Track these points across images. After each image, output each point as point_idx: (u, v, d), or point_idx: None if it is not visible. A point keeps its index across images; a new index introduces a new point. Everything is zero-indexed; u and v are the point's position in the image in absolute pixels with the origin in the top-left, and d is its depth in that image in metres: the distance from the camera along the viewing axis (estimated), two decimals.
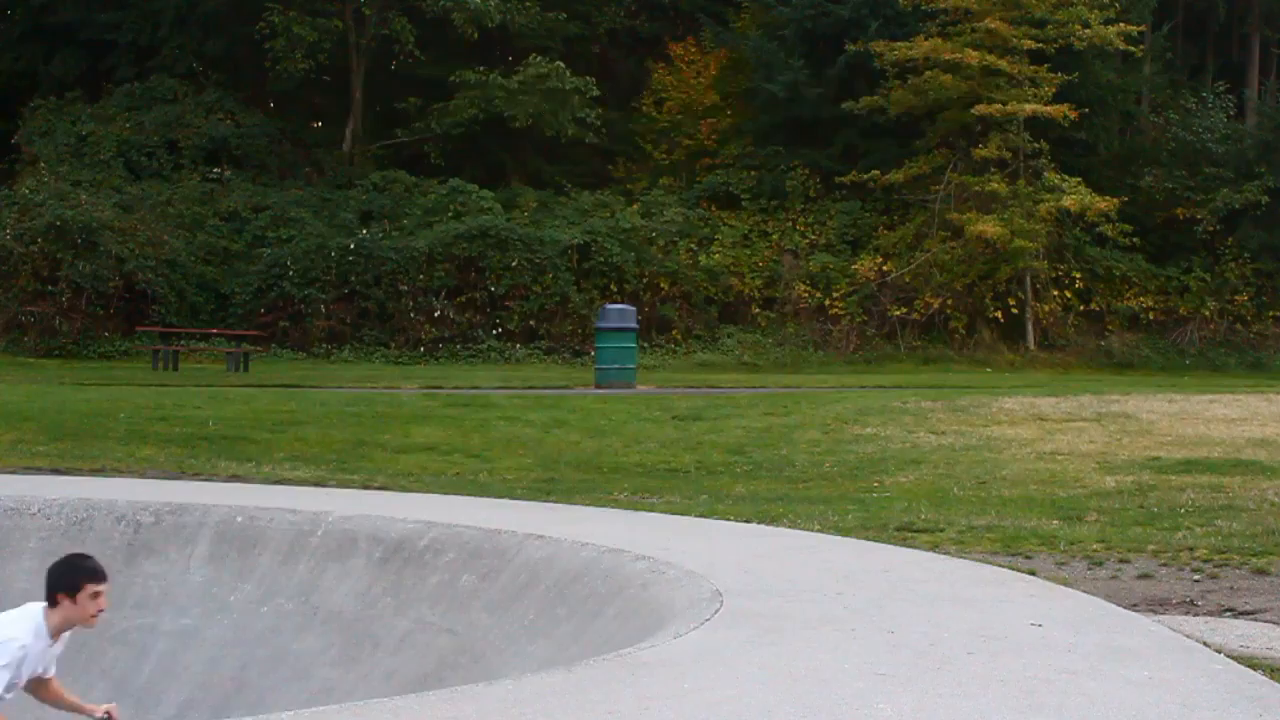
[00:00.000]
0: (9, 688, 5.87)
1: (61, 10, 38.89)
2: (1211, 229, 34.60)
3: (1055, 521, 10.03)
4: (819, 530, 9.42)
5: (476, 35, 36.34)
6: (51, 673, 6.16)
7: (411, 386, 22.03)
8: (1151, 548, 8.85)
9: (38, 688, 6.20)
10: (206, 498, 9.64)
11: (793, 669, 5.15)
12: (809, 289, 33.68)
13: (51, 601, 5.94)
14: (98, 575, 5.98)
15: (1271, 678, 5.45)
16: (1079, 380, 27.03)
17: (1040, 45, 33.20)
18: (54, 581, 5.94)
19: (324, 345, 31.43)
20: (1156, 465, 13.13)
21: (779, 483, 12.84)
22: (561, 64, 36.06)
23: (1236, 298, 34.78)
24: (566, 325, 32.20)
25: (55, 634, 5.98)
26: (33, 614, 5.94)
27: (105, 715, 6.24)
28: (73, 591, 5.91)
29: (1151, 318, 34.64)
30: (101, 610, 6.00)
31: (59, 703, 6.23)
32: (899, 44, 33.55)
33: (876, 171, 34.03)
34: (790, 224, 35.24)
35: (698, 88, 38.95)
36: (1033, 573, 7.89)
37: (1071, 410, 17.29)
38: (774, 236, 34.96)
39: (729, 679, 4.96)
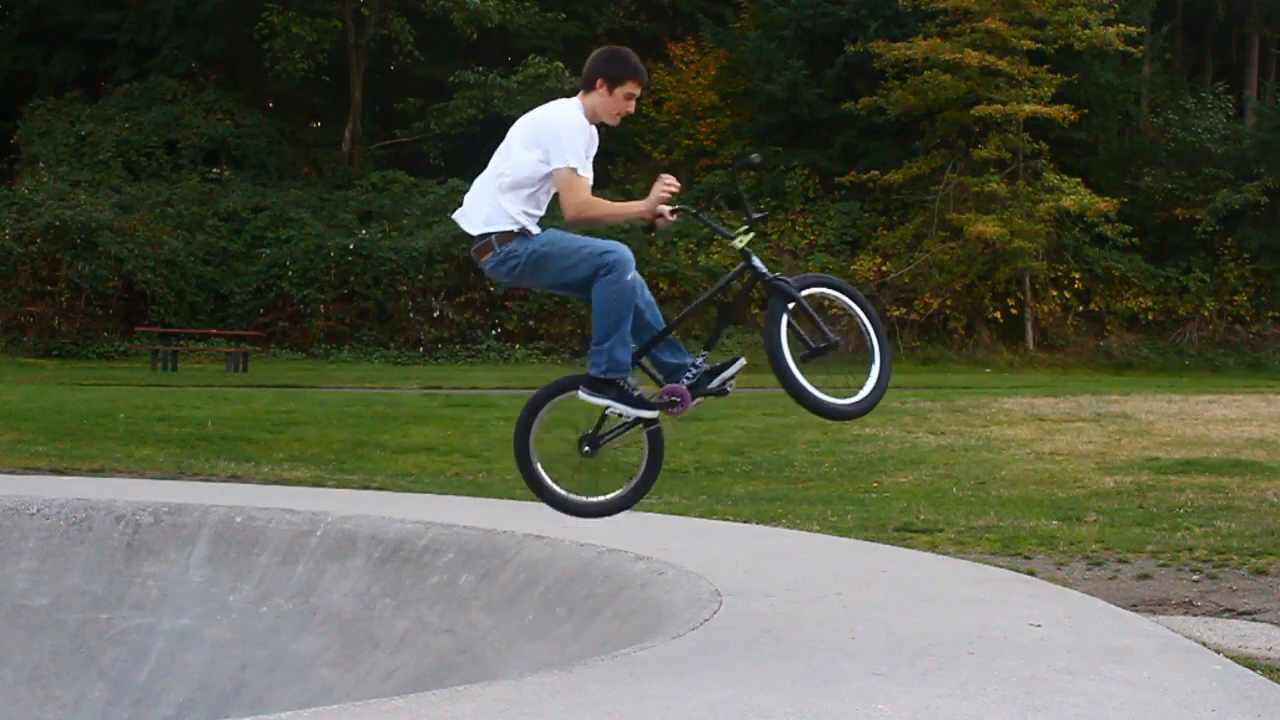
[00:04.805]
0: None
1: (61, 10, 38.90)
2: (1210, 229, 34.60)
3: (1054, 522, 10.03)
4: (818, 530, 9.42)
5: (475, 35, 36.36)
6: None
7: (411, 387, 22.02)
8: (1150, 548, 8.84)
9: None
10: (206, 498, 9.62)
11: (792, 669, 5.14)
12: None
13: (589, 86, 5.73)
14: (641, 76, 5.76)
15: (1270, 678, 5.45)
16: (1078, 380, 27.04)
17: (1040, 45, 33.20)
18: (600, 67, 5.71)
19: (323, 345, 31.42)
20: (1155, 466, 13.13)
21: (778, 483, 12.84)
22: (560, 64, 36.06)
23: (1235, 298, 34.79)
24: (566, 325, 32.18)
25: (591, 119, 5.77)
26: (573, 102, 5.75)
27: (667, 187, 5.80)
28: (615, 82, 5.71)
29: (1150, 318, 34.64)
30: (629, 112, 5.77)
31: (616, 214, 6.06)
32: (898, 44, 33.56)
33: (876, 172, 34.03)
34: (790, 224, 35.25)
35: (697, 88, 38.96)
36: (1032, 573, 7.88)
37: (1070, 410, 17.30)
38: (773, 237, 34.95)
39: (728, 679, 4.95)
